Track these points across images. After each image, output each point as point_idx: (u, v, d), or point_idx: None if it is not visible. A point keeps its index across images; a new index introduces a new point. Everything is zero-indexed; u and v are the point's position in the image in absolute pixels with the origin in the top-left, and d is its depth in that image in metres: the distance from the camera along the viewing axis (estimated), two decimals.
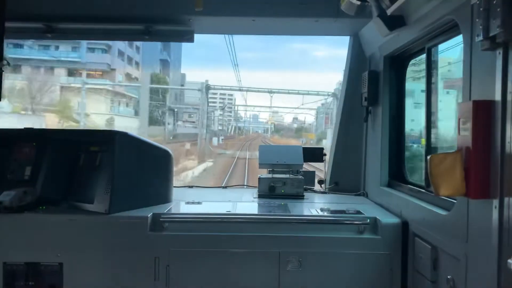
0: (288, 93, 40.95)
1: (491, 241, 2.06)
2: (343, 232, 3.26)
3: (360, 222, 3.25)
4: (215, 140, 52.34)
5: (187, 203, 3.74)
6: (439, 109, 3.27)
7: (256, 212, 3.62)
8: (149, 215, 3.26)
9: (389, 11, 3.09)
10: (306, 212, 3.54)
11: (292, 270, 3.22)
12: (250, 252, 3.23)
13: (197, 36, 4.29)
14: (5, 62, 3.32)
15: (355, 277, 3.21)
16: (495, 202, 2.04)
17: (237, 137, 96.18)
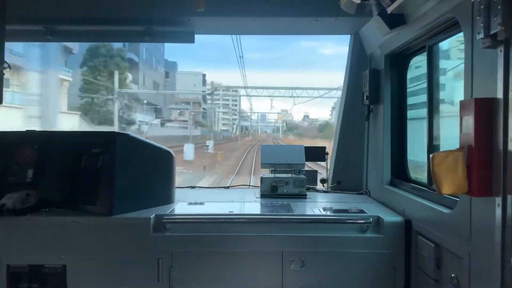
0: None
1: (494, 240, 2.05)
2: (346, 231, 3.25)
3: (363, 221, 3.24)
4: (189, 149, 27.50)
5: (190, 203, 3.74)
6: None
7: (258, 212, 3.62)
8: (151, 216, 3.26)
9: (389, 10, 3.09)
10: (308, 212, 3.54)
11: (295, 269, 3.22)
12: (253, 252, 3.23)
13: (201, 37, 4.31)
14: (6, 65, 3.32)
15: (358, 276, 3.21)
16: (498, 200, 2.03)
17: (240, 140, 77.16)
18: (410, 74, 3.82)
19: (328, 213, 3.46)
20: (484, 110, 2.11)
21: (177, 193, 3.87)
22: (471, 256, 2.32)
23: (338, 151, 4.64)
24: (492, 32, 1.97)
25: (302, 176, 4.23)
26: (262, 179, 4.18)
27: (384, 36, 3.52)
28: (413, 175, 3.73)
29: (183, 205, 3.70)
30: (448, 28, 2.82)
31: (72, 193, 3.60)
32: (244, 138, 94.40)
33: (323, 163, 4.73)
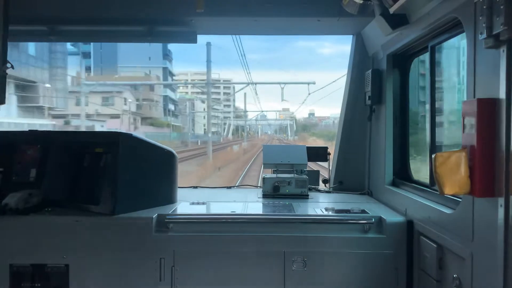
0: None
1: (497, 240, 2.05)
2: (348, 231, 3.25)
3: (365, 221, 3.24)
4: None
5: (192, 203, 3.75)
6: None
7: (261, 212, 3.62)
8: (154, 216, 3.27)
9: (391, 10, 3.08)
10: (310, 212, 3.54)
11: (297, 269, 3.22)
12: (255, 252, 3.24)
13: (199, 38, 4.29)
14: (9, 65, 3.33)
15: (360, 276, 3.21)
16: (501, 201, 2.03)
17: (211, 157, 31.36)
18: None
19: (330, 213, 3.46)
20: (486, 110, 2.10)
21: (180, 193, 3.87)
22: (473, 256, 2.32)
23: (340, 151, 4.63)
24: (494, 32, 1.97)
25: (304, 176, 4.23)
26: (264, 179, 4.18)
27: (387, 36, 3.52)
28: None
29: (186, 205, 3.71)
30: (451, 28, 2.81)
31: (75, 192, 3.61)
32: (228, 146, 53.48)
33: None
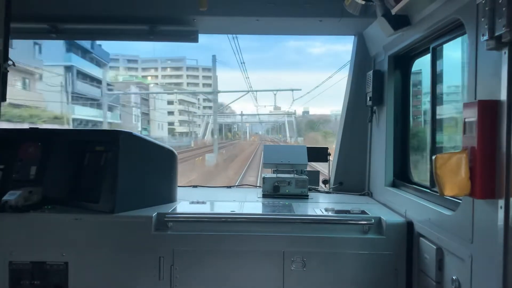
0: None
1: (497, 242, 2.05)
2: (348, 232, 3.25)
3: (365, 222, 3.24)
4: None
5: (192, 202, 3.76)
6: None
7: (260, 212, 3.62)
8: (153, 215, 3.27)
9: (393, 11, 3.08)
10: (310, 212, 3.54)
11: (296, 269, 3.22)
12: (254, 251, 3.24)
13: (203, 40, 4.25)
14: (10, 62, 3.34)
15: (359, 277, 3.21)
16: (501, 202, 2.03)
17: None
18: None
19: (330, 213, 3.46)
20: (487, 112, 2.10)
21: (179, 192, 3.88)
22: (473, 258, 2.32)
23: (340, 152, 4.63)
24: (496, 34, 1.97)
25: (304, 176, 4.23)
26: (264, 179, 4.18)
27: (388, 37, 3.52)
28: None
29: (185, 204, 3.71)
30: (453, 29, 2.81)
31: (75, 190, 3.61)
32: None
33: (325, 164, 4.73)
